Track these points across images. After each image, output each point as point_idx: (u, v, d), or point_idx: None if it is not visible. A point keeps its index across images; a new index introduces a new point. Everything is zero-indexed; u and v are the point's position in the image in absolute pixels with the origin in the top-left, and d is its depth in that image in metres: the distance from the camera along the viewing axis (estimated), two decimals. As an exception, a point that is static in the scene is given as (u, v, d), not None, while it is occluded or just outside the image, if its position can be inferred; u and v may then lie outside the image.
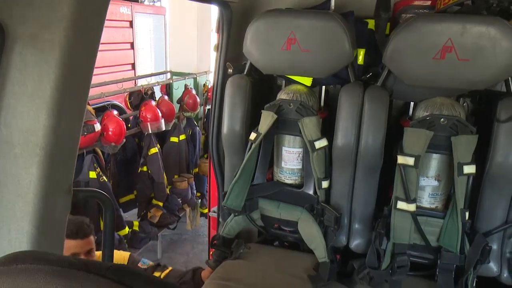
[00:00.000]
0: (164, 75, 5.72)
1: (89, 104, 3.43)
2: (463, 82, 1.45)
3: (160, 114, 3.88)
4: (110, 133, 3.25)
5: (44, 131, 0.87)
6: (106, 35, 5.28)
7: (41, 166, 0.88)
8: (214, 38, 1.95)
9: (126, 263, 1.93)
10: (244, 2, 1.88)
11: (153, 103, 3.97)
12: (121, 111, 4.22)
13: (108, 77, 4.70)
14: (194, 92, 4.82)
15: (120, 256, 1.97)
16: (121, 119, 3.44)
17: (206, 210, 4.17)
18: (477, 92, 1.61)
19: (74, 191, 0.96)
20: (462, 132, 1.45)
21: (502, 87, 1.58)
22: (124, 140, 3.44)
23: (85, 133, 3.12)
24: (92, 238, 1.75)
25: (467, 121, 1.48)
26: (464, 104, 1.63)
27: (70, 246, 1.61)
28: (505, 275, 1.55)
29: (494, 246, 1.54)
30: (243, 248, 1.77)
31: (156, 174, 3.85)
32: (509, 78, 1.49)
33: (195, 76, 5.04)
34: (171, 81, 4.74)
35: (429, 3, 1.80)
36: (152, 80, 5.01)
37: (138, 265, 1.98)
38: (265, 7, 1.83)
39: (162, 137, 4.27)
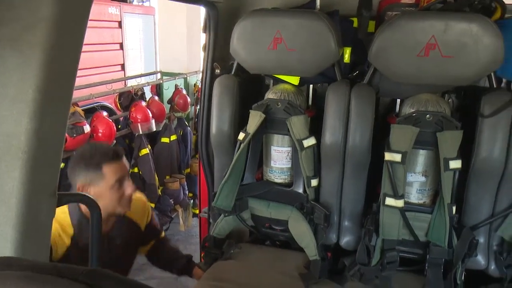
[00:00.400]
0: (154, 75, 5.70)
1: (78, 106, 3.40)
2: (447, 79, 1.46)
3: (150, 115, 3.86)
4: (100, 134, 3.23)
5: (27, 135, 0.86)
6: (95, 35, 5.24)
7: (24, 170, 0.87)
8: (203, 38, 1.94)
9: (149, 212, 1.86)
10: (231, 2, 1.88)
11: (143, 103, 3.95)
12: (111, 112, 4.19)
13: (97, 78, 4.66)
14: (184, 92, 4.80)
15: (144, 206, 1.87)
16: (111, 120, 3.42)
17: (198, 210, 4.16)
18: (461, 88, 1.63)
19: (59, 195, 0.95)
20: (447, 128, 1.47)
21: (485, 82, 1.60)
22: (114, 141, 3.42)
23: (74, 135, 3.09)
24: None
25: (452, 117, 1.50)
26: (449, 100, 1.66)
27: (116, 170, 1.57)
28: (492, 268, 1.57)
29: (481, 240, 1.56)
30: (234, 248, 1.78)
31: (148, 175, 3.83)
32: (492, 74, 1.51)
33: (185, 76, 5.02)
34: (161, 82, 4.71)
35: (413, 0, 1.82)
36: (142, 80, 4.98)
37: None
38: (251, 7, 1.84)
39: (153, 138, 4.25)
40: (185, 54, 5.69)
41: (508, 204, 1.50)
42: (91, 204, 1.03)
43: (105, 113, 3.45)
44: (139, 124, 3.73)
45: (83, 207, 1.58)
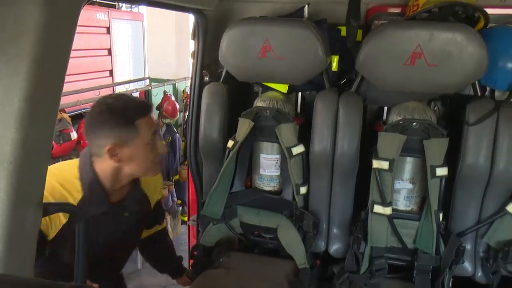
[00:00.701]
0: (143, 81, 5.67)
1: (65, 112, 3.36)
2: (433, 87, 1.49)
3: (138, 122, 3.82)
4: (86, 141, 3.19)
5: (12, 145, 0.85)
6: (83, 41, 5.20)
7: (9, 181, 0.86)
8: (193, 44, 1.94)
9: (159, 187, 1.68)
10: (220, 10, 1.88)
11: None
12: (98, 119, 4.15)
13: (85, 84, 4.62)
14: (173, 98, 4.79)
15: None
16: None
17: (186, 218, 4.13)
18: (447, 96, 1.65)
19: (44, 204, 0.94)
20: (433, 136, 1.49)
21: (470, 90, 1.63)
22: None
23: (61, 142, 3.05)
24: None
25: (438, 125, 1.52)
26: (435, 108, 1.68)
27: (150, 124, 1.35)
28: (479, 274, 1.59)
29: (468, 246, 1.58)
30: (223, 257, 1.77)
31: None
32: (476, 82, 1.54)
33: (174, 82, 5.01)
34: (149, 88, 4.69)
35: (400, 10, 1.85)
36: (130, 86, 4.96)
37: None
38: (240, 15, 1.85)
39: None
40: (173, 60, 5.68)
41: (493, 211, 1.52)
42: (77, 214, 1.01)
43: (92, 120, 3.42)
44: (127, 131, 3.69)
45: (99, 170, 1.34)
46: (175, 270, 1.83)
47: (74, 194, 1.31)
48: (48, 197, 1.18)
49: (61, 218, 1.30)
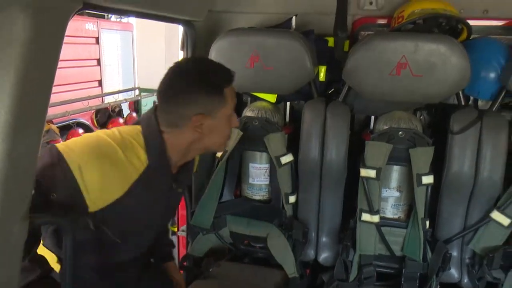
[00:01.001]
0: (132, 91, 5.67)
1: (52, 123, 3.34)
2: (418, 97, 1.52)
3: (128, 132, 3.82)
4: (75, 152, 3.17)
5: None
6: (71, 52, 5.19)
7: None
8: (182, 53, 1.95)
9: None
10: (208, 21, 1.90)
11: (121, 120, 3.92)
12: (87, 129, 4.14)
13: (73, 95, 4.61)
14: (163, 108, 4.79)
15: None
16: (87, 137, 3.36)
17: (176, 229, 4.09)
18: (432, 105, 1.69)
19: (31, 217, 0.93)
20: (419, 144, 1.52)
21: (455, 100, 1.66)
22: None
23: (49, 153, 3.03)
24: None
25: (423, 134, 1.55)
26: (421, 117, 1.71)
27: (234, 94, 1.23)
28: (465, 281, 1.61)
29: (454, 253, 1.60)
30: (213, 267, 1.76)
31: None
32: (460, 92, 1.58)
33: (164, 92, 5.01)
34: (139, 98, 4.69)
35: (386, 21, 1.89)
36: (120, 97, 4.95)
37: None
38: (228, 25, 1.87)
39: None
40: (163, 69, 5.67)
41: (478, 218, 1.54)
42: (65, 227, 1.00)
43: (81, 130, 3.41)
44: (116, 141, 3.68)
45: (172, 142, 1.18)
46: (167, 254, 1.63)
47: (138, 163, 1.15)
48: (118, 153, 1.09)
49: (115, 193, 1.13)
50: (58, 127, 3.44)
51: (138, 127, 1.19)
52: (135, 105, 4.99)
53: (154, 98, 4.82)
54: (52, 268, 1.22)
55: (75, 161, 1.05)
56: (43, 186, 1.02)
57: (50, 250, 1.21)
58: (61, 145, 1.11)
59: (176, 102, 1.15)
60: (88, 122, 4.63)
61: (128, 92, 5.42)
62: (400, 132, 1.53)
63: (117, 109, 4.17)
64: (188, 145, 1.21)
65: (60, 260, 1.19)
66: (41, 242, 1.24)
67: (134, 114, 4.31)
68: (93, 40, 5.80)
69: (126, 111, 4.64)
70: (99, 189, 1.08)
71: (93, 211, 1.10)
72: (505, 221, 1.48)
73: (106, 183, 1.09)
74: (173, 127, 1.18)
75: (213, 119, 1.17)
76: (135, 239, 1.29)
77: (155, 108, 1.21)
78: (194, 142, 1.21)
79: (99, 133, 1.17)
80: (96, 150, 1.09)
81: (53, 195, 1.04)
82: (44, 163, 1.06)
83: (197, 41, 1.89)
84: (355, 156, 1.62)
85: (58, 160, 1.05)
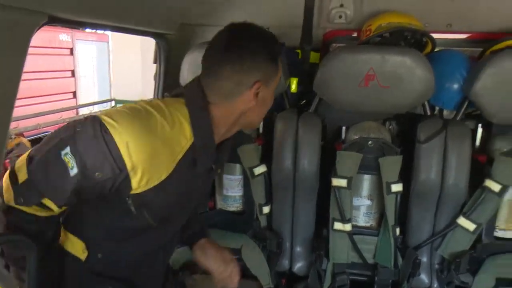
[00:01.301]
0: (108, 103, 5.60)
1: (23, 136, 3.25)
2: (386, 107, 1.57)
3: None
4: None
5: None
6: (44, 63, 5.10)
7: None
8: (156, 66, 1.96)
9: None
10: (181, 34, 1.91)
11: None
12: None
13: (47, 107, 4.52)
14: (139, 119, 4.74)
15: None
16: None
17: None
18: (400, 115, 1.74)
19: None
20: (388, 153, 1.56)
21: (421, 109, 1.72)
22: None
23: (20, 167, 2.94)
24: None
25: (392, 143, 1.60)
26: (390, 126, 1.75)
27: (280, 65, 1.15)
28: (435, 286, 1.65)
29: (424, 259, 1.64)
30: (189, 280, 1.74)
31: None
32: (426, 102, 1.64)
33: (140, 103, 4.97)
34: (114, 109, 4.63)
35: (356, 33, 1.94)
36: (95, 108, 4.88)
37: None
38: (201, 38, 1.88)
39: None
40: (140, 80, 5.65)
41: (446, 224, 1.59)
42: (29, 247, 0.96)
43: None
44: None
45: (219, 115, 1.08)
46: (199, 232, 1.45)
47: (184, 140, 1.04)
48: (167, 129, 0.99)
49: (162, 173, 1.02)
50: (29, 140, 3.35)
51: (181, 100, 1.07)
52: (111, 117, 4.93)
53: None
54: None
55: (123, 137, 0.93)
56: (87, 164, 0.92)
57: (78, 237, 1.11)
58: (104, 115, 0.96)
59: (239, 67, 1.04)
60: (62, 135, 4.54)
61: (103, 104, 5.34)
62: (370, 142, 1.57)
63: (91, 121, 4.09)
64: (236, 118, 1.11)
65: (87, 248, 1.11)
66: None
67: (110, 126, 4.23)
68: (67, 51, 5.72)
69: (101, 123, 4.57)
70: (147, 169, 0.97)
71: (137, 192, 1.00)
72: (470, 226, 1.53)
73: (154, 163, 0.98)
74: (226, 97, 1.07)
75: (267, 89, 1.10)
76: (169, 223, 1.20)
77: (198, 79, 1.10)
78: (243, 115, 1.11)
79: (144, 104, 1.02)
80: (145, 125, 0.97)
81: (98, 174, 0.94)
82: (86, 136, 0.93)
83: (171, 53, 1.90)
84: (328, 166, 1.65)
85: (103, 134, 0.92)
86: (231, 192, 1.75)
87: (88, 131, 0.93)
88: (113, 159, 0.93)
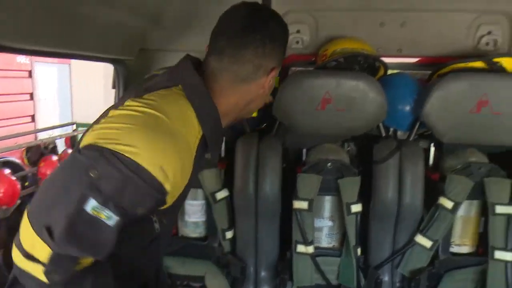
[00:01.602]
0: (69, 126, 5.43)
1: (-25, 165, 3.09)
2: (342, 129, 1.62)
3: (62, 170, 3.62)
4: (0, 194, 2.94)
5: None
6: (1, 86, 4.92)
7: None
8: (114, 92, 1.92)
9: None
10: (140, 59, 1.90)
11: (55, 158, 3.71)
12: (17, 168, 3.86)
13: (3, 131, 4.32)
14: (102, 143, 4.61)
15: None
16: (14, 178, 3.15)
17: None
18: (357, 136, 1.79)
19: None
20: (347, 175, 1.59)
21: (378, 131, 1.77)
22: (19, 201, 3.13)
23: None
24: None
25: (351, 164, 1.64)
26: (349, 148, 1.80)
27: None
28: None
29: (386, 278, 1.66)
30: None
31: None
32: (380, 124, 1.70)
33: (103, 126, 4.85)
34: (75, 134, 4.49)
35: (313, 58, 2.00)
36: (55, 132, 4.72)
37: None
38: (161, 63, 1.88)
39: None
40: (102, 103, 5.53)
41: (405, 242, 1.63)
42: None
43: (7, 170, 3.18)
44: (49, 180, 3.47)
45: (227, 103, 1.01)
46: None
47: (194, 135, 0.94)
48: (182, 132, 0.89)
49: (187, 179, 0.94)
50: (-17, 168, 3.19)
51: (175, 90, 0.95)
52: (72, 141, 4.76)
53: (92, 133, 4.63)
54: None
55: (153, 161, 0.82)
56: (125, 205, 0.81)
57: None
58: (107, 143, 0.81)
59: (262, 50, 0.97)
60: (19, 161, 4.34)
61: (64, 127, 5.18)
62: (329, 164, 1.60)
63: (51, 146, 3.95)
64: (246, 104, 1.04)
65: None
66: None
67: (70, 151, 4.09)
68: (26, 74, 5.54)
69: (62, 147, 4.41)
70: (179, 181, 0.90)
71: (165, 207, 0.93)
72: (427, 243, 1.58)
73: (184, 173, 0.90)
74: (242, 80, 1.00)
75: (275, 75, 1.04)
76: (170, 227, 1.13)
77: (190, 65, 0.99)
78: (250, 102, 1.05)
79: (138, 107, 0.88)
80: (169, 141, 0.86)
81: (140, 209, 0.84)
82: (109, 178, 0.79)
83: (129, 79, 1.88)
84: (290, 189, 1.66)
85: (127, 167, 0.80)
86: (194, 218, 1.72)
87: (108, 171, 0.79)
88: (152, 189, 0.83)
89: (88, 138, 0.85)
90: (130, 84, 1.88)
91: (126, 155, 0.80)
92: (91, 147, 0.82)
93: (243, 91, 1.01)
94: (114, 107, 0.93)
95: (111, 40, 1.65)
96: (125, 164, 0.79)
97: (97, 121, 0.91)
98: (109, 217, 0.79)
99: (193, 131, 0.93)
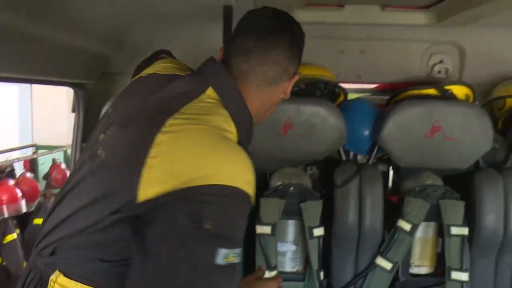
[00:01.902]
0: (29, 148, 5.21)
1: None
2: (304, 154, 1.65)
3: (20, 195, 3.46)
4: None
5: None
6: (-46, 107, 4.68)
7: None
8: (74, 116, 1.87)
9: None
10: (101, 82, 1.87)
11: (11, 182, 3.54)
12: (-31, 194, 3.65)
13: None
14: (64, 166, 4.46)
15: None
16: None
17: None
18: (319, 160, 1.83)
19: None
20: (309, 198, 1.61)
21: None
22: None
23: None
24: None
25: (314, 188, 1.66)
26: (311, 172, 1.83)
27: None
28: None
29: None
30: None
31: (14, 265, 3.33)
32: (341, 148, 1.74)
33: (65, 149, 4.70)
34: (35, 156, 4.32)
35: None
36: (14, 155, 4.52)
37: None
38: (122, 87, 1.84)
39: (24, 220, 3.77)
40: (65, 124, 5.36)
41: (366, 264, 1.66)
42: None
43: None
44: (4, 206, 3.30)
45: (257, 103, 1.00)
46: None
47: (232, 130, 0.92)
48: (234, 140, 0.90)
49: None
50: None
51: (209, 93, 0.91)
52: (31, 164, 4.57)
53: (52, 155, 4.46)
54: None
55: (247, 186, 0.81)
56: (240, 234, 0.80)
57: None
58: (209, 179, 0.76)
59: (290, 53, 0.96)
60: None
61: (23, 150, 4.97)
62: (292, 188, 1.62)
63: (7, 169, 3.77)
64: (265, 110, 1.05)
65: None
66: None
67: (29, 174, 3.92)
68: (-17, 94, 5.31)
69: (20, 170, 4.22)
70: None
71: None
72: (387, 265, 1.61)
73: None
74: (269, 82, 0.97)
75: (295, 80, 1.03)
76: None
77: (222, 69, 0.96)
78: (270, 107, 1.06)
79: (200, 127, 0.84)
80: (243, 161, 0.86)
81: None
82: (226, 218, 0.76)
83: (90, 103, 1.84)
84: (254, 213, 1.66)
85: (243, 199, 0.80)
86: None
87: (216, 211, 0.76)
88: (248, 205, 0.83)
89: (157, 185, 0.75)
90: (91, 107, 1.84)
91: (241, 187, 0.79)
92: (179, 197, 0.74)
93: (267, 94, 0.99)
94: (143, 134, 0.83)
95: (71, 64, 1.62)
96: (224, 194, 0.76)
97: (138, 156, 0.79)
98: (238, 254, 0.77)
99: (231, 128, 0.91)
